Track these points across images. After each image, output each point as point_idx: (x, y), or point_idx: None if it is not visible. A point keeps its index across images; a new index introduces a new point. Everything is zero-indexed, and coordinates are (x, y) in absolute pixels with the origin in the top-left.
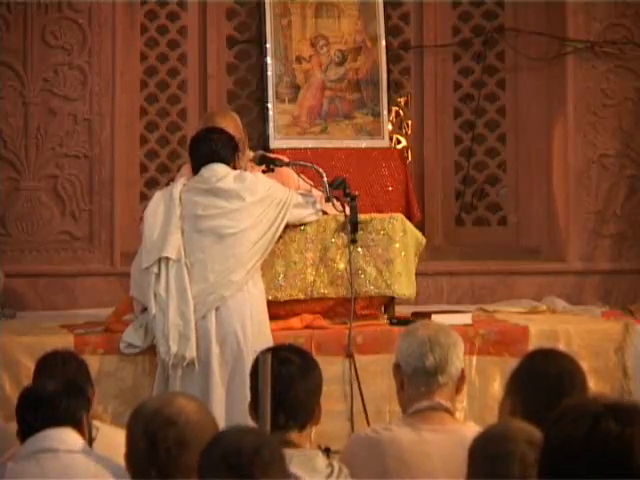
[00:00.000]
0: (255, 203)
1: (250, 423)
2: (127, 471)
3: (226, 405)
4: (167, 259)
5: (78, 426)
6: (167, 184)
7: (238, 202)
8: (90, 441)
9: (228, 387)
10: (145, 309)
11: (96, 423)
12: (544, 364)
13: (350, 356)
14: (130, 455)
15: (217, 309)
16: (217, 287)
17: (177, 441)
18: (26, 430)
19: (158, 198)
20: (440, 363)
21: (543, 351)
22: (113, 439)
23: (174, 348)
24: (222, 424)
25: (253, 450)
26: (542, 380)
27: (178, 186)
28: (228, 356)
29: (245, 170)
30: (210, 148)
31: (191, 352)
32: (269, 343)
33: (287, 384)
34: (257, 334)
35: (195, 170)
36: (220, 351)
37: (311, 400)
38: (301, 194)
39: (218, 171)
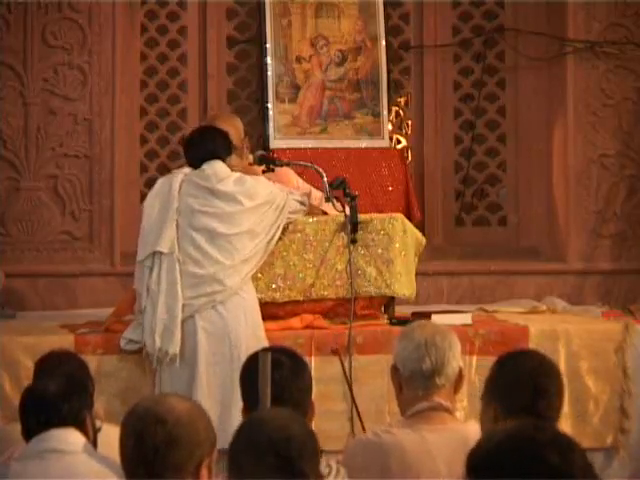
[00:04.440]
0: (252, 208)
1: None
2: (123, 471)
3: (220, 408)
4: (160, 253)
5: (81, 426)
6: None
7: (235, 206)
8: (94, 441)
9: (219, 390)
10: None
11: (99, 422)
12: (514, 366)
13: (336, 353)
14: (121, 454)
15: (210, 309)
16: (209, 289)
17: (166, 440)
18: (30, 430)
19: (157, 188)
20: (437, 366)
21: (512, 354)
22: (115, 439)
23: (158, 342)
24: None
25: (301, 441)
26: (513, 382)
27: (179, 177)
28: (218, 357)
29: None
30: (205, 148)
31: (174, 348)
32: (263, 346)
33: (281, 387)
34: (251, 337)
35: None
36: (210, 352)
37: (305, 399)
38: (297, 200)
39: (220, 171)
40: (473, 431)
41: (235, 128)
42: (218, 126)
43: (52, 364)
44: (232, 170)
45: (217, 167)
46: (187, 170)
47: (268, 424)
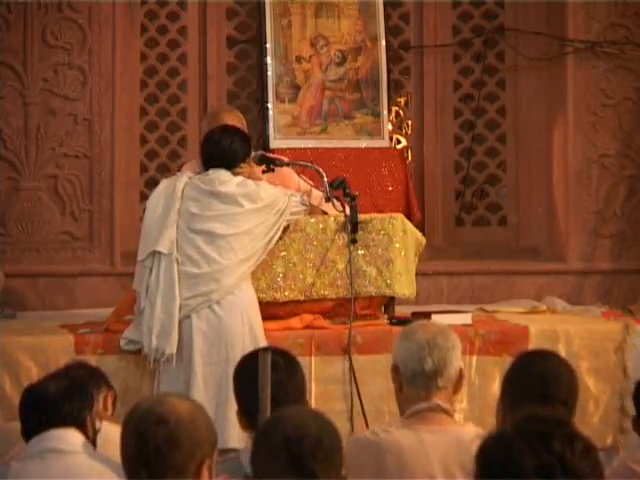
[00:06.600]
0: (253, 211)
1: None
2: (124, 471)
3: (215, 408)
4: (160, 253)
5: (82, 426)
6: None
7: (235, 207)
8: (94, 441)
9: (215, 390)
10: None
11: (98, 422)
12: (529, 365)
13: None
14: (122, 454)
15: (207, 310)
16: (206, 288)
17: (167, 440)
18: (30, 430)
19: (162, 189)
20: (439, 367)
21: (531, 352)
22: (115, 437)
23: (155, 342)
24: None
25: (315, 440)
26: (527, 381)
27: (183, 179)
28: (214, 357)
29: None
30: (224, 148)
31: (171, 348)
32: (260, 346)
33: (277, 387)
34: (248, 337)
35: (205, 169)
36: (206, 352)
37: (301, 397)
38: (298, 201)
39: (223, 175)
40: (470, 434)
41: (241, 124)
42: (222, 120)
43: (60, 370)
44: (237, 174)
45: (221, 172)
46: (191, 173)
47: (285, 422)
